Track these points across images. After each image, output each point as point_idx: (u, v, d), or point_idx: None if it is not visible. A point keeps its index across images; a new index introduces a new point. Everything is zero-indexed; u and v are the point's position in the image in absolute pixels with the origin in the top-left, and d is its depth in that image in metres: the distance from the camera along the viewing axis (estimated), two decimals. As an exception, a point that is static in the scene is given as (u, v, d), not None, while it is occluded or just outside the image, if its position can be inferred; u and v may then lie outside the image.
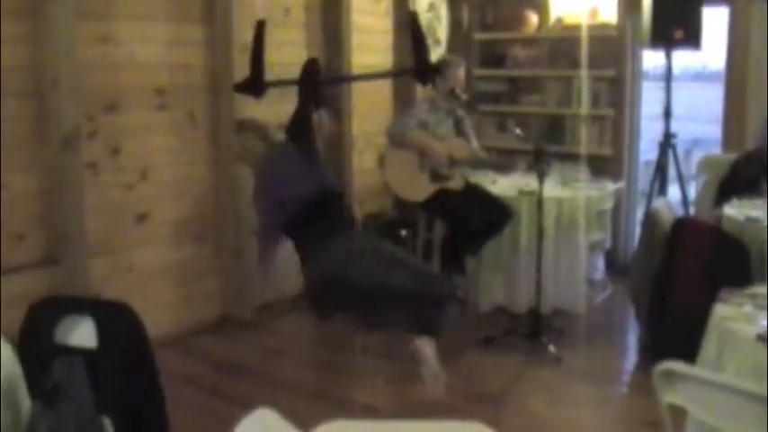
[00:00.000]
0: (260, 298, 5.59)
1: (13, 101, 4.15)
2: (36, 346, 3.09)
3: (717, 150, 6.42)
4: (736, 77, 6.20)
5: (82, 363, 2.45)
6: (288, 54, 5.57)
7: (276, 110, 5.19)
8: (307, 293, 4.58)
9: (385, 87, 6.79)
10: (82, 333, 3.14)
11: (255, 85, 4.32)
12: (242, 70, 5.24)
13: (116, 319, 3.27)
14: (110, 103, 4.67)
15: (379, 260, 4.19)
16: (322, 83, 4.96)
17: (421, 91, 6.69)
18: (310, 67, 4.54)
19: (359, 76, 6.19)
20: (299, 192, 4.27)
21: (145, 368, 3.33)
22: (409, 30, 4.44)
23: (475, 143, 5.63)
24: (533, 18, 7.03)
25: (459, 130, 5.57)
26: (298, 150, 4.39)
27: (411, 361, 4.67)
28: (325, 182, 4.40)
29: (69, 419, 2.30)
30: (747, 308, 3.00)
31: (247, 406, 2.34)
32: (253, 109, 5.35)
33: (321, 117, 4.60)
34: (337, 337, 5.39)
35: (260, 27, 4.32)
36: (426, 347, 4.11)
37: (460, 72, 5.43)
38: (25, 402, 2.38)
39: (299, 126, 4.39)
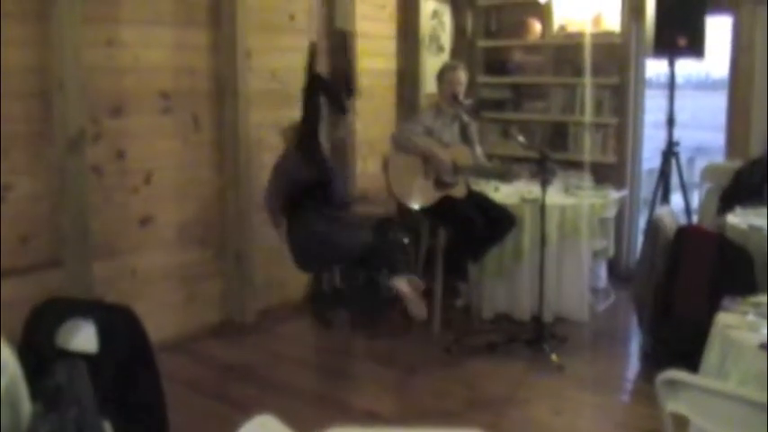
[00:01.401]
0: (263, 301, 5.60)
1: (18, 103, 4.17)
2: (38, 348, 3.10)
3: (720, 158, 6.41)
4: (739, 86, 6.19)
5: (84, 365, 2.45)
6: (293, 60, 5.58)
7: (277, 116, 5.22)
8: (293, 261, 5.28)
9: (389, 93, 6.79)
10: (83, 336, 3.14)
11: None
12: (246, 75, 5.28)
13: (118, 323, 3.28)
14: (115, 106, 4.68)
15: (346, 224, 5.22)
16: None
17: (425, 98, 6.71)
18: (315, 84, 5.27)
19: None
20: (290, 182, 5.14)
21: (146, 371, 3.33)
22: (340, 49, 5.04)
23: (479, 150, 5.63)
24: (537, 25, 7.04)
25: (465, 137, 5.56)
26: (300, 157, 5.15)
27: (412, 367, 4.69)
28: (304, 176, 5.15)
29: (70, 422, 2.30)
30: (750, 316, 3.00)
31: (249, 410, 2.34)
32: (256, 114, 5.38)
33: (345, 122, 5.66)
34: (339, 341, 5.40)
35: (343, 38, 5.50)
36: (401, 284, 4.94)
37: (459, 75, 5.41)
38: (26, 404, 2.38)
39: (307, 138, 5.19)
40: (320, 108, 5.29)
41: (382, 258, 5.06)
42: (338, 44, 5.47)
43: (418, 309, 4.97)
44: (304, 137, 5.16)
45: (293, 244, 5.18)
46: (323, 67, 6.05)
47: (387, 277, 4.96)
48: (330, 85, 5.38)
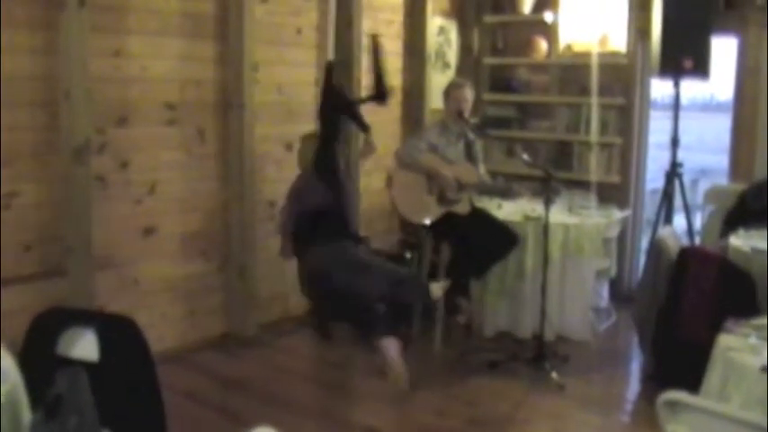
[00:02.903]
0: (264, 315, 5.60)
1: (25, 111, 4.18)
2: (38, 356, 3.09)
3: (723, 181, 6.42)
4: (744, 108, 6.21)
5: (85, 374, 2.45)
6: (299, 74, 5.60)
7: (282, 129, 5.23)
8: (301, 289, 5.25)
9: (394, 108, 6.80)
10: (84, 345, 3.13)
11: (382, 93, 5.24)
12: (252, 88, 5.29)
13: (119, 332, 3.27)
14: (120, 116, 4.70)
15: (360, 265, 4.90)
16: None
17: (430, 114, 6.72)
18: (337, 102, 5.25)
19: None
20: (307, 208, 5.04)
21: (147, 382, 3.32)
22: (371, 53, 4.92)
23: (482, 169, 5.64)
24: (543, 44, 7.06)
25: (469, 154, 5.57)
26: (318, 179, 5.10)
27: (413, 383, 4.67)
28: (318, 202, 5.06)
29: (71, 431, 2.30)
30: (752, 339, 3.00)
31: (249, 423, 2.34)
32: (261, 127, 5.39)
33: (370, 141, 5.40)
34: (340, 356, 5.38)
35: (376, 42, 5.24)
36: (390, 347, 4.56)
37: (465, 92, 5.42)
38: (26, 413, 2.38)
39: (323, 159, 5.11)
40: (340, 127, 5.27)
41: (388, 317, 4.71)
42: (371, 48, 5.46)
43: (396, 374, 4.56)
44: (321, 157, 5.11)
45: (308, 277, 5.11)
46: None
47: (376, 335, 4.61)
48: (351, 103, 5.35)
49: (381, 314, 4.61)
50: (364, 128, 5.27)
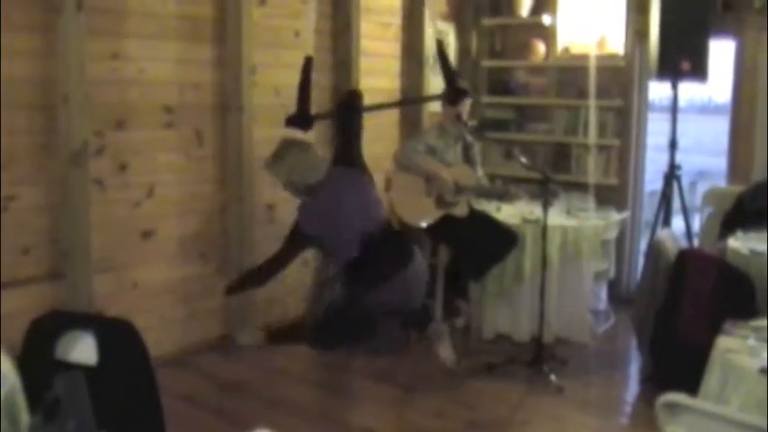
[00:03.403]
0: (263, 318, 5.60)
1: (23, 114, 4.18)
2: (37, 360, 3.09)
3: (722, 183, 6.43)
4: (742, 110, 6.22)
5: (83, 378, 2.45)
6: (297, 77, 5.59)
7: (280, 132, 5.21)
8: (326, 312, 5.03)
9: (393, 111, 6.81)
10: (83, 349, 3.13)
11: (303, 118, 4.77)
12: (251, 91, 5.30)
13: (117, 336, 3.27)
14: (118, 119, 4.69)
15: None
16: (361, 111, 5.26)
17: (428, 116, 6.72)
18: (353, 100, 5.13)
19: (392, 103, 6.18)
20: (371, 220, 4.70)
21: (145, 385, 3.32)
22: (438, 56, 4.79)
23: (480, 171, 5.65)
24: (541, 47, 7.07)
25: (467, 157, 5.58)
26: (362, 173, 4.93)
27: (411, 386, 4.68)
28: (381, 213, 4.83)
29: (69, 434, 2.29)
30: (751, 341, 3.00)
31: (248, 426, 2.34)
32: (259, 130, 5.38)
33: None
34: (339, 359, 5.37)
35: (308, 64, 4.86)
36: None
37: (467, 99, 5.46)
38: (24, 416, 2.38)
39: (353, 153, 4.94)
40: (356, 123, 5.22)
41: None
42: (437, 51, 5.45)
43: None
44: (350, 153, 5.00)
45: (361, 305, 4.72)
46: (329, 83, 6.11)
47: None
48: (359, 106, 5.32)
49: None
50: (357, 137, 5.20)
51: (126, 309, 4.58)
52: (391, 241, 4.77)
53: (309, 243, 4.84)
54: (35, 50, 4.21)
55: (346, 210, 4.53)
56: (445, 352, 4.69)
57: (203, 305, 5.34)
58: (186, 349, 5.17)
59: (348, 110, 5.04)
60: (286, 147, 4.69)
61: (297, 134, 4.89)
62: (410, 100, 6.50)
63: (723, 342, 3.02)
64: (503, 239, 5.36)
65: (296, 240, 4.80)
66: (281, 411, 4.43)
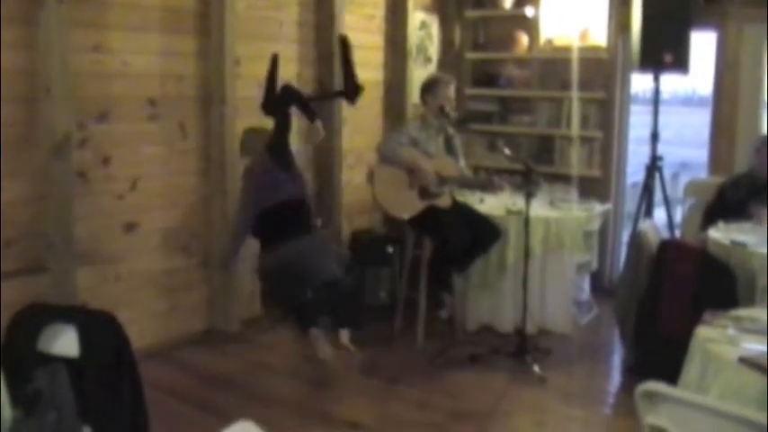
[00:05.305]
0: (247, 311, 5.60)
1: (4, 107, 4.15)
2: (18, 353, 3.08)
3: (704, 174, 6.47)
4: (724, 102, 6.26)
5: (65, 371, 2.45)
6: (281, 68, 5.58)
7: (264, 124, 5.21)
8: (259, 278, 5.40)
9: (375, 103, 6.81)
10: (64, 341, 3.13)
11: (268, 106, 5.20)
12: (234, 83, 5.29)
13: (99, 329, 3.27)
14: (101, 111, 4.67)
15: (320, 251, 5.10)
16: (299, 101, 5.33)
17: (411, 108, 6.73)
18: (286, 95, 5.24)
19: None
20: (270, 200, 5.01)
21: (127, 378, 3.32)
22: (341, 53, 4.93)
23: (462, 162, 5.65)
24: (524, 39, 7.08)
25: (449, 149, 5.59)
26: (277, 166, 5.08)
27: (395, 378, 4.69)
28: (290, 193, 5.10)
29: (50, 427, 2.30)
30: (730, 330, 3.02)
31: (231, 419, 2.34)
32: (243, 122, 5.37)
33: (316, 128, 5.31)
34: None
35: (274, 60, 5.13)
36: (318, 339, 4.80)
37: (450, 90, 5.46)
38: (6, 409, 2.38)
39: (280, 148, 5.10)
40: (291, 118, 5.27)
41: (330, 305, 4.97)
42: (339, 47, 5.53)
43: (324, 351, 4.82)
44: (279, 149, 5.11)
45: (268, 267, 5.14)
46: (312, 75, 6.11)
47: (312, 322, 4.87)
48: (300, 94, 5.35)
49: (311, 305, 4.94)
50: (312, 118, 5.27)
51: (109, 301, 4.56)
52: (298, 214, 5.13)
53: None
54: (17, 42, 4.17)
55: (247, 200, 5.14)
56: (324, 353, 4.77)
57: (187, 298, 5.34)
58: (169, 342, 5.16)
59: (281, 103, 5.19)
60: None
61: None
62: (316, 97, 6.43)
63: (702, 332, 3.04)
64: (485, 232, 5.38)
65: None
66: (265, 404, 4.43)
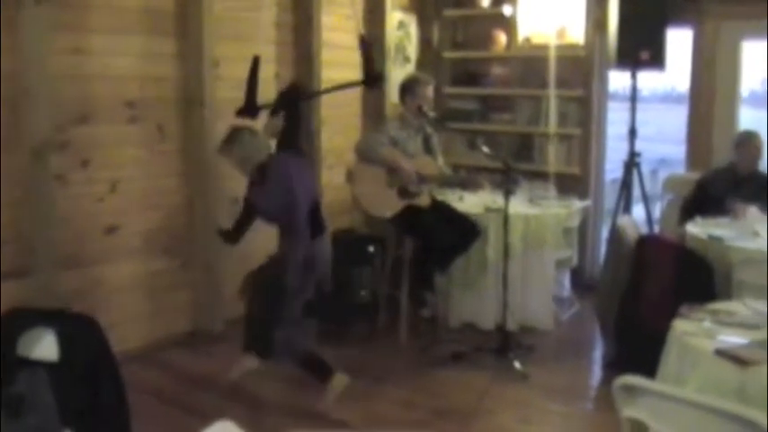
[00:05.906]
0: (231, 311, 5.59)
1: (-17, 110, 4.14)
2: None
3: (682, 170, 6.52)
4: (701, 98, 6.31)
5: (44, 375, 2.45)
6: (260, 69, 5.58)
7: (244, 124, 5.20)
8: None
9: (354, 103, 6.83)
10: (44, 345, 3.13)
11: (251, 109, 4.74)
12: (214, 84, 5.28)
13: (79, 331, 3.27)
14: (81, 114, 4.66)
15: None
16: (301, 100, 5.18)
17: (390, 108, 6.74)
18: (294, 91, 5.00)
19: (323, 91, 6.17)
20: (312, 193, 4.65)
21: (109, 381, 3.32)
22: (359, 46, 4.84)
23: (441, 161, 5.68)
24: (503, 37, 7.12)
25: (428, 148, 5.60)
26: (302, 156, 4.85)
27: (379, 376, 4.70)
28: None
29: (31, 429, 2.30)
30: (707, 323, 3.06)
31: (216, 420, 2.35)
32: (223, 123, 5.36)
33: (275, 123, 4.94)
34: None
35: (255, 62, 4.80)
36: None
37: (429, 90, 5.47)
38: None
39: (296, 137, 4.83)
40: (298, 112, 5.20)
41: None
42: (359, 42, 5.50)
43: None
44: (297, 142, 4.90)
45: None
46: (290, 75, 6.11)
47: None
48: (305, 94, 5.35)
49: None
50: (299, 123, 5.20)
51: (92, 305, 4.55)
52: (318, 210, 4.78)
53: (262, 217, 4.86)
54: (-5, 45, 4.17)
55: (297, 194, 4.55)
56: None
57: (169, 300, 5.33)
58: (154, 344, 5.16)
59: (290, 99, 5.11)
60: (237, 132, 4.72)
61: (246, 123, 4.94)
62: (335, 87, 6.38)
63: (680, 325, 3.08)
64: (465, 230, 5.40)
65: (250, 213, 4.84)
66: (250, 405, 4.43)
